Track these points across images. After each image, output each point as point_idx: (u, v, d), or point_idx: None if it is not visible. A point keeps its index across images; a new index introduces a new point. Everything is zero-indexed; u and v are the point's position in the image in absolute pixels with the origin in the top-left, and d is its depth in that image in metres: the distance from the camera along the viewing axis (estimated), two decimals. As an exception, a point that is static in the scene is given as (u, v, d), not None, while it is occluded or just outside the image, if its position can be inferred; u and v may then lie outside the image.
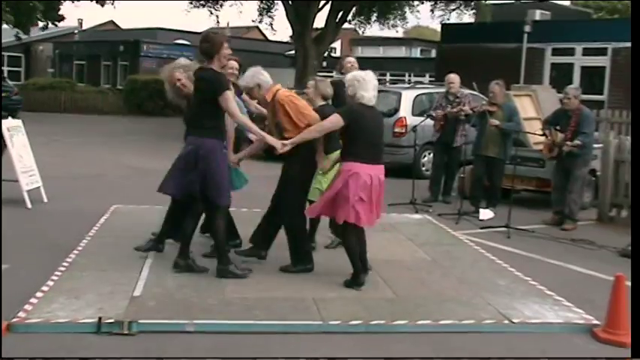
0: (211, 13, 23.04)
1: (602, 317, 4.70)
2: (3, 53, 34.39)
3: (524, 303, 5.21)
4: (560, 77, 19.70)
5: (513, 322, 4.80)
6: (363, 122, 5.32)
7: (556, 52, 21.02)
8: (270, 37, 38.19)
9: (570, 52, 20.65)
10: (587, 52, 20.32)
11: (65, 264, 5.66)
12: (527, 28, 20.77)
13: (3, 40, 28.87)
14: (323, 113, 5.69)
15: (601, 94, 19.36)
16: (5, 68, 34.42)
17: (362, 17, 23.36)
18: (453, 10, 21.53)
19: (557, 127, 8.46)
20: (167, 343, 4.20)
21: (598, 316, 4.83)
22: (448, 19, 22.23)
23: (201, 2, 22.52)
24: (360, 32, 26.14)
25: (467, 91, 10.29)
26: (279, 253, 5.93)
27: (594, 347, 4.49)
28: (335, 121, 5.36)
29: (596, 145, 9.03)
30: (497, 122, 8.72)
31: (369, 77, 5.44)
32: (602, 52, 19.74)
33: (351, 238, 5.41)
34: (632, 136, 7.21)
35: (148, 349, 4.11)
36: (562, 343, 4.56)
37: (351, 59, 7.67)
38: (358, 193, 5.22)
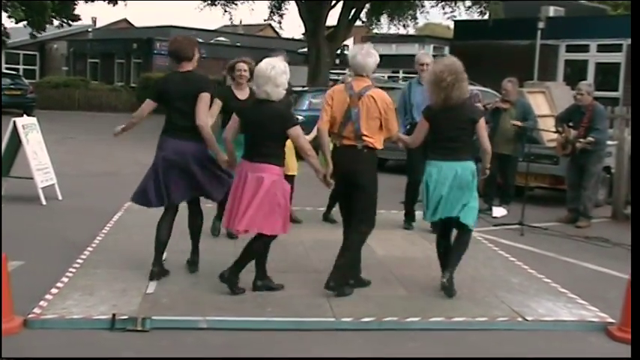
0: (225, 11, 23.15)
1: (617, 315, 4.67)
2: (18, 52, 34.76)
3: (538, 301, 5.18)
4: (575, 74, 19.59)
5: (527, 320, 4.77)
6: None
7: (570, 48, 20.91)
8: (283, 35, 38.20)
9: (585, 48, 20.54)
10: (601, 48, 20.19)
11: (79, 261, 5.70)
12: (540, 25, 20.66)
13: (19, 39, 29.17)
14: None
15: (616, 90, 19.22)
16: (20, 66, 34.75)
17: (373, 17, 23.36)
18: (468, 8, 21.41)
19: (570, 124, 8.41)
20: (180, 340, 4.22)
21: (612, 315, 4.79)
22: (450, 18, 22.21)
23: (214, 1, 22.58)
24: (373, 30, 26.12)
25: (476, 89, 10.22)
26: (290, 249, 5.94)
27: (609, 346, 4.46)
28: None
29: (610, 142, 8.96)
30: (519, 123, 8.61)
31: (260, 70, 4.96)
32: (617, 48, 19.59)
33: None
34: (632, 135, 7.16)
35: (161, 345, 4.14)
36: (576, 341, 4.53)
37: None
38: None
